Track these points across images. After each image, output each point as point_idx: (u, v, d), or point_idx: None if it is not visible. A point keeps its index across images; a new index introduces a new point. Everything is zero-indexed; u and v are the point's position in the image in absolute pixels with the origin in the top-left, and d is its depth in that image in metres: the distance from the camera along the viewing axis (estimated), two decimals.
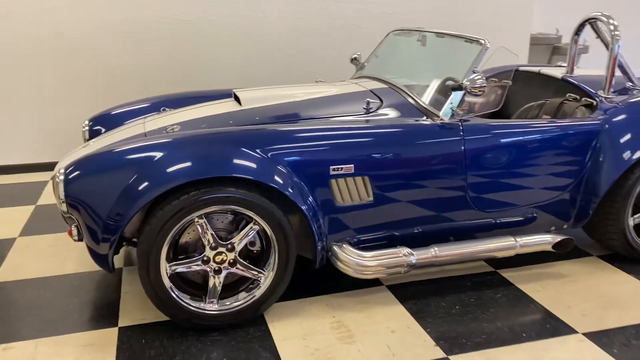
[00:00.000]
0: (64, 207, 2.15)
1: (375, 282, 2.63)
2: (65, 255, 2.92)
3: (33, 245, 3.05)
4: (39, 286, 2.60)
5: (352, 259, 2.33)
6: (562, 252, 2.75)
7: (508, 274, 2.71)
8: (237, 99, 2.86)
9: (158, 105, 3.21)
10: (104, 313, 2.38)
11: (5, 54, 4.16)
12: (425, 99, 2.64)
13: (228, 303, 2.25)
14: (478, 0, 5.04)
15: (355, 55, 3.60)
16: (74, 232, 2.22)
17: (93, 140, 2.78)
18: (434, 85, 2.71)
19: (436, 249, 2.44)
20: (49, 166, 4.40)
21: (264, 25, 4.59)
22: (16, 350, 2.12)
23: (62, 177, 2.15)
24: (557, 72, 3.26)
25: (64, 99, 4.35)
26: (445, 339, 2.18)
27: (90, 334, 2.23)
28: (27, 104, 4.29)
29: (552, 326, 2.28)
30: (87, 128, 3.09)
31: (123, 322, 2.32)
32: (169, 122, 2.66)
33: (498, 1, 5.10)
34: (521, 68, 3.51)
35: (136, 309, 2.41)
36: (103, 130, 3.06)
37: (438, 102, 2.57)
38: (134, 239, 2.44)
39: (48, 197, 3.81)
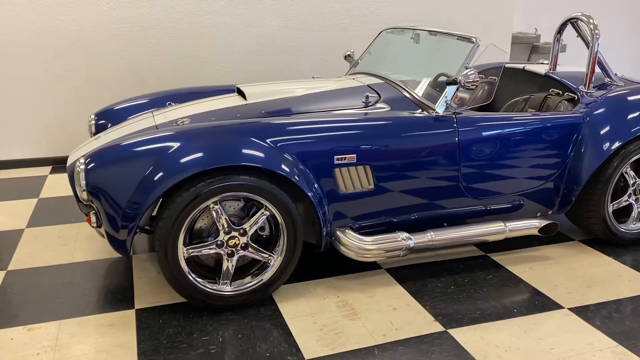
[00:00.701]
0: (84, 195, 2.27)
1: (374, 266, 2.79)
2: (74, 245, 3.03)
3: (42, 235, 3.14)
4: (54, 273, 2.71)
5: (354, 243, 2.49)
6: (547, 236, 2.95)
7: (498, 257, 2.90)
8: (240, 93, 3.00)
9: (159, 100, 3.33)
10: (120, 297, 2.51)
11: (5, 50, 4.23)
12: (421, 93, 2.81)
13: (240, 284, 2.40)
14: (462, 1, 5.24)
15: (349, 52, 3.76)
16: (93, 219, 2.34)
17: (103, 133, 2.90)
18: (428, 80, 2.88)
19: (432, 233, 2.62)
20: (48, 161, 4.48)
21: (257, 23, 4.73)
22: (41, 330, 2.24)
23: (82, 167, 2.27)
24: (541, 68, 3.46)
25: (62, 95, 4.43)
26: (443, 315, 2.36)
27: (109, 315, 2.36)
28: (26, 100, 4.37)
29: (540, 303, 2.47)
30: (93, 122, 3.20)
31: (139, 304, 2.44)
32: (178, 115, 2.79)
33: (481, 1, 5.31)
34: (507, 65, 3.71)
35: (150, 293, 2.54)
36: (109, 124, 3.17)
37: (432, 96, 2.75)
38: (147, 227, 2.57)
39: (50, 190, 3.90)
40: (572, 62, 6.38)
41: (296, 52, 4.90)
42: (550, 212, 2.96)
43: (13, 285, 2.60)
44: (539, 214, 2.94)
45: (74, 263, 2.82)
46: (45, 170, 4.38)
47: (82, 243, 3.05)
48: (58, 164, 4.51)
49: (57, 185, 4.01)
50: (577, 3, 7.35)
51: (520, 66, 3.59)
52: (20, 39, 4.24)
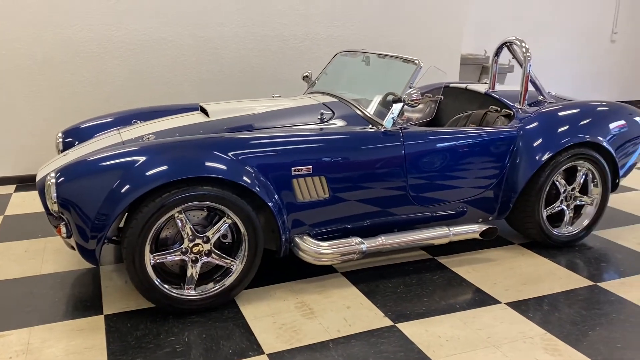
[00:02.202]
0: (55, 207, 2.41)
1: (331, 270, 3.00)
2: (42, 258, 3.13)
3: (8, 250, 3.23)
4: (22, 285, 2.81)
5: (311, 248, 2.69)
6: (488, 239, 3.22)
7: (444, 260, 3.14)
8: (203, 111, 3.19)
9: (125, 118, 3.48)
10: (89, 304, 2.63)
11: None
12: (370, 110, 3.06)
13: (204, 289, 2.56)
14: (414, 24, 5.59)
15: (306, 73, 4.00)
16: (63, 229, 2.47)
17: (71, 149, 3.03)
18: (377, 98, 3.14)
19: (383, 238, 2.85)
20: (12, 180, 4.55)
21: (220, 45, 4.94)
22: (12, 337, 2.35)
23: (53, 180, 2.41)
24: (482, 87, 3.77)
25: (27, 115, 4.52)
26: (392, 312, 2.58)
27: (78, 321, 2.48)
28: None
29: (480, 298, 2.71)
30: (60, 140, 3.33)
31: (107, 310, 2.58)
32: (144, 132, 2.96)
33: (431, 25, 5.66)
34: (451, 84, 4.01)
35: (118, 300, 2.67)
36: (76, 142, 3.30)
37: (381, 113, 3.00)
38: (114, 238, 2.72)
39: (15, 207, 3.97)
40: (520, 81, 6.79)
41: (257, 73, 5.13)
42: (490, 218, 3.24)
43: None
44: (480, 219, 3.21)
45: (42, 275, 2.93)
46: (10, 188, 4.44)
47: (50, 256, 3.16)
48: (22, 183, 4.58)
49: (22, 203, 4.08)
50: (524, 27, 7.85)
51: (463, 85, 3.90)
52: None
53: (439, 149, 2.97)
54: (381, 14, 5.44)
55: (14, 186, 4.51)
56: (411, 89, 2.84)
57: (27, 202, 4.10)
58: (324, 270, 2.98)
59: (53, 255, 3.16)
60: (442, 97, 3.98)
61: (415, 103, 2.82)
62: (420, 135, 2.95)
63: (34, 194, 4.28)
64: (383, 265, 3.08)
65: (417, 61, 2.99)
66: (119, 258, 3.14)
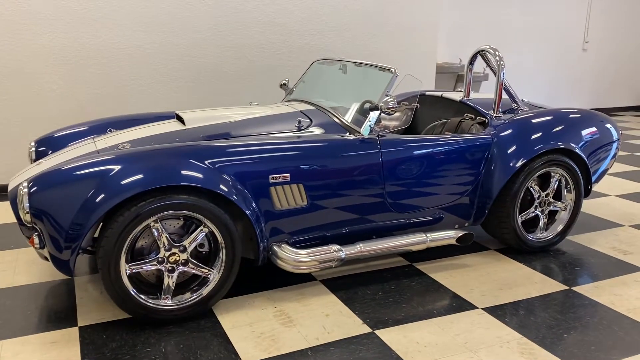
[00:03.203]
0: (27, 218, 2.36)
1: (310, 278, 2.99)
2: (14, 269, 3.06)
3: None
4: None
5: (289, 256, 2.68)
6: (464, 245, 3.25)
7: (422, 266, 3.17)
8: (179, 119, 3.17)
9: (100, 127, 3.44)
10: (63, 316, 2.58)
11: None
12: (348, 118, 3.07)
13: (181, 299, 2.53)
14: (389, 33, 5.64)
15: (284, 81, 4.01)
16: (36, 240, 2.42)
17: (45, 158, 2.98)
18: (354, 106, 3.16)
19: (361, 245, 2.86)
20: None
21: (196, 53, 4.92)
22: None
23: (25, 190, 2.37)
24: (457, 96, 3.82)
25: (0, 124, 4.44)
26: (370, 319, 2.58)
27: (52, 334, 2.43)
28: None
29: (457, 304, 2.74)
30: (33, 149, 3.27)
31: (82, 322, 2.53)
32: (119, 140, 2.93)
33: (407, 35, 5.73)
34: (427, 93, 4.06)
35: (93, 311, 2.63)
36: (49, 151, 3.25)
37: (358, 121, 3.02)
38: (89, 248, 2.67)
39: None
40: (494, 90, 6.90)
41: (233, 81, 5.12)
42: (467, 224, 3.27)
43: None
44: (457, 225, 3.24)
45: (14, 287, 2.87)
46: None
47: (23, 267, 3.09)
48: None
49: None
50: (498, 35, 7.99)
51: (439, 94, 3.95)
52: None
53: (416, 156, 3.00)
54: (358, 23, 5.49)
55: None
56: (388, 97, 2.86)
57: None
58: (302, 279, 2.98)
59: (26, 267, 3.10)
60: (418, 105, 4.02)
61: (392, 111, 2.84)
62: (397, 142, 2.97)
63: (6, 204, 4.19)
64: (362, 272, 3.08)
65: (393, 69, 3.02)
66: (94, 269, 3.09)
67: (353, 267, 3.14)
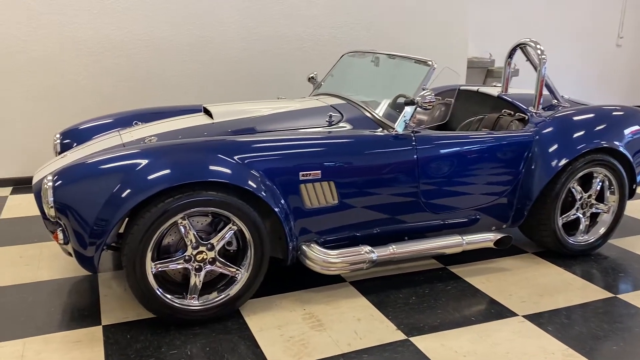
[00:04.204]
0: (52, 212, 2.28)
1: (339, 279, 2.87)
2: (38, 264, 3.00)
3: (3, 256, 3.10)
4: (17, 292, 2.69)
5: (319, 256, 2.57)
6: (502, 248, 3.10)
7: (456, 270, 3.03)
8: (207, 113, 3.07)
9: (125, 120, 3.36)
10: (86, 314, 2.51)
11: None
12: (381, 113, 2.94)
13: (207, 299, 2.44)
14: (419, 27, 5.48)
15: (312, 75, 3.89)
16: (60, 236, 2.35)
17: (69, 151, 2.91)
18: (388, 101, 3.03)
19: (394, 247, 2.73)
20: (8, 182, 4.42)
21: (222, 45, 4.82)
22: (5, 348, 2.22)
23: (50, 184, 2.29)
24: (494, 91, 3.66)
25: (23, 115, 4.40)
26: (405, 324, 2.45)
27: (75, 332, 2.35)
28: None
29: (496, 311, 2.59)
30: (58, 141, 3.20)
31: (106, 321, 2.45)
32: (145, 134, 2.84)
33: (437, 28, 5.56)
34: (462, 87, 3.90)
35: (117, 309, 2.55)
36: (74, 144, 3.18)
37: (392, 116, 2.88)
38: (113, 244, 2.59)
39: (10, 210, 3.85)
40: (526, 85, 6.69)
41: (260, 74, 5.01)
42: (504, 226, 3.12)
43: None
44: (494, 227, 3.09)
45: (37, 282, 2.80)
46: (6, 191, 4.32)
47: (46, 262, 3.03)
48: (18, 185, 4.45)
49: (17, 206, 3.96)
50: (528, 30, 7.75)
51: (475, 88, 3.79)
52: None
53: (453, 154, 2.86)
54: (386, 15, 5.34)
55: (10, 188, 4.38)
56: (424, 91, 2.72)
57: (23, 205, 3.97)
58: (331, 280, 2.86)
59: (49, 261, 3.04)
60: (452, 100, 3.87)
61: (429, 106, 2.71)
62: (433, 139, 2.83)
63: (31, 197, 4.16)
64: (393, 274, 2.95)
65: (430, 62, 2.88)
66: (117, 265, 3.02)
67: (383, 269, 3.01)
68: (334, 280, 2.86)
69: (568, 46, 8.17)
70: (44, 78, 4.38)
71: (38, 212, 3.79)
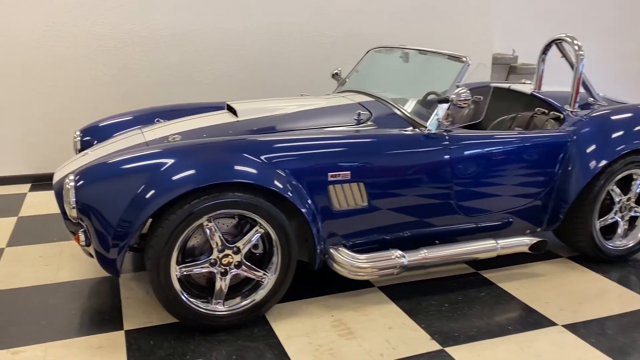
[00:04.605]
0: (73, 213, 2.21)
1: (367, 284, 2.77)
2: (58, 264, 2.94)
3: (23, 255, 3.04)
4: (37, 293, 2.62)
5: (347, 260, 2.47)
6: (537, 253, 2.97)
7: (488, 275, 2.91)
8: (231, 110, 2.98)
9: (146, 117, 3.28)
10: (108, 317, 2.43)
11: None
12: (411, 110, 2.82)
13: (234, 304, 2.35)
14: (443, 22, 5.33)
15: (336, 71, 3.78)
16: (82, 237, 2.27)
17: (90, 149, 2.84)
18: (417, 98, 2.91)
19: (425, 251, 2.61)
20: (27, 178, 4.37)
21: (242, 42, 4.73)
22: (27, 353, 2.15)
23: (72, 184, 2.21)
24: (527, 88, 3.52)
25: (42, 111, 4.34)
26: (439, 333, 2.34)
27: (98, 337, 2.28)
28: (4, 115, 4.26)
29: (534, 320, 2.47)
30: (78, 139, 3.13)
31: (129, 325, 2.37)
32: (168, 132, 2.75)
33: (461, 23, 5.41)
34: (492, 84, 3.76)
35: (139, 313, 2.47)
36: (95, 141, 3.11)
37: (422, 114, 2.77)
38: (135, 245, 2.51)
39: (30, 208, 3.80)
40: (550, 82, 6.51)
41: (281, 70, 4.91)
42: (538, 230, 2.99)
43: None
44: (528, 231, 2.96)
45: (58, 283, 2.74)
46: (24, 187, 4.27)
47: (66, 262, 2.97)
48: (37, 182, 4.40)
49: (37, 203, 3.90)
50: (551, 25, 7.55)
51: (506, 85, 3.65)
52: (0, 52, 4.15)
53: (488, 154, 2.73)
54: (409, 11, 5.20)
55: (28, 185, 4.33)
56: (459, 89, 2.60)
57: (42, 203, 3.92)
58: (358, 285, 2.75)
59: (69, 261, 2.97)
60: (481, 97, 3.73)
61: (465, 104, 2.59)
62: (467, 138, 2.71)
63: (50, 194, 4.10)
64: (423, 279, 2.84)
65: (465, 58, 2.75)
66: (138, 266, 2.94)
67: (412, 274, 2.90)
68: (361, 285, 2.75)
69: (593, 42, 7.95)
70: (62, 74, 4.32)
71: (57, 210, 3.72)
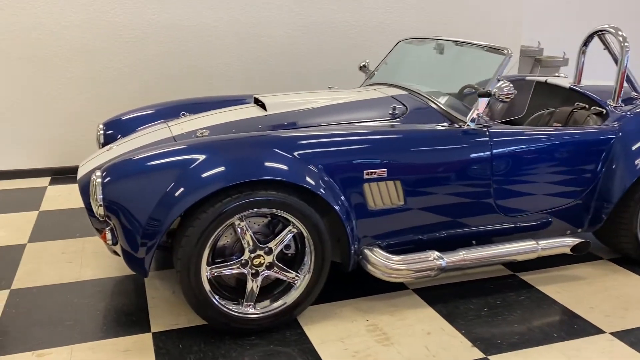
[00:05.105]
0: (100, 211, 2.12)
1: (401, 286, 2.66)
2: (81, 261, 2.86)
3: (45, 251, 2.97)
4: (60, 292, 2.54)
5: (382, 262, 2.35)
6: (579, 255, 2.84)
7: (527, 277, 2.78)
8: (259, 104, 2.87)
9: (169, 110, 3.18)
10: (134, 319, 2.34)
11: (4, 55, 4.07)
12: (448, 104, 2.70)
13: (265, 306, 2.25)
14: (470, 13, 5.17)
15: (364, 63, 3.66)
16: (108, 236, 2.18)
17: (115, 143, 2.75)
18: (453, 92, 2.78)
19: (464, 252, 2.49)
20: (47, 172, 4.31)
21: (265, 32, 4.61)
22: (52, 356, 2.07)
23: (99, 180, 2.12)
24: (564, 82, 3.37)
25: (63, 103, 4.27)
26: (480, 340, 2.23)
27: (124, 340, 2.19)
28: (24, 107, 4.19)
29: (579, 327, 2.35)
30: (101, 132, 3.05)
31: (156, 327, 2.28)
32: (195, 126, 2.65)
33: (489, 15, 5.24)
34: (527, 77, 3.62)
35: (166, 314, 2.38)
36: (119, 135, 3.02)
37: (460, 108, 2.64)
38: (161, 243, 2.41)
39: (50, 202, 3.73)
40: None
41: (304, 62, 4.79)
42: (579, 231, 2.85)
43: (18, 305, 2.43)
44: (568, 232, 2.83)
45: (81, 281, 2.66)
46: (44, 181, 4.20)
47: (89, 259, 2.89)
48: (57, 175, 4.33)
49: (57, 197, 3.83)
50: (576, 16, 7.34)
51: (542, 79, 3.50)
52: (20, 44, 4.08)
53: (529, 151, 2.60)
54: (436, 1, 5.04)
55: (48, 178, 4.27)
56: (501, 82, 2.47)
57: (63, 197, 3.85)
58: (391, 287, 2.64)
59: (92, 259, 2.89)
60: (516, 91, 3.58)
61: (507, 98, 2.45)
62: (508, 134, 2.58)
63: (71, 187, 4.03)
64: (458, 281, 2.72)
65: (506, 50, 2.62)
66: (163, 264, 2.85)
67: (448, 275, 2.78)
68: (394, 287, 2.64)
69: (629, 34, 7.71)
70: (83, 65, 4.24)
71: (79, 205, 3.66)
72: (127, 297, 2.52)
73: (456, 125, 2.57)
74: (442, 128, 2.54)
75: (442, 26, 5.10)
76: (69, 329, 2.25)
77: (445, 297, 2.57)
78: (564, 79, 3.50)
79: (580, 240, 2.69)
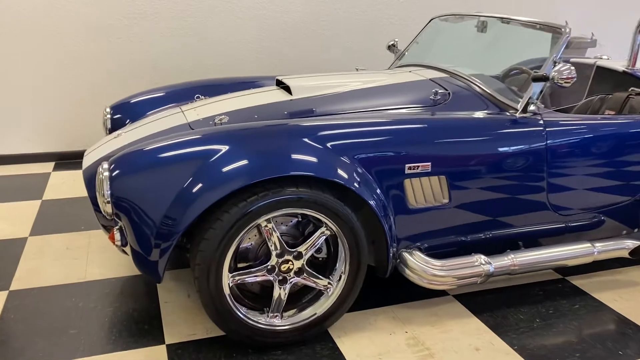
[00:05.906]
0: (108, 209, 1.86)
1: (439, 292, 2.40)
2: (86, 258, 2.61)
3: (48, 246, 2.73)
4: (64, 294, 2.30)
5: (423, 266, 2.09)
6: (637, 259, 2.57)
7: (578, 282, 2.51)
8: (281, 85, 2.59)
9: (179, 93, 2.91)
10: (146, 327, 2.10)
11: (6, 32, 3.78)
12: (496, 89, 2.41)
13: (293, 316, 2.00)
14: None
15: (392, 42, 3.37)
16: (117, 236, 1.92)
17: (123, 130, 2.48)
18: (500, 75, 2.49)
19: (512, 256, 2.23)
20: (51, 156, 4.06)
21: (282, 9, 4.30)
22: None
23: (106, 174, 1.86)
24: (617, 65, 3.07)
25: (67, 83, 3.99)
26: (536, 357, 1.97)
27: (136, 353, 1.95)
28: (27, 88, 3.92)
29: None
30: (108, 116, 2.78)
31: (170, 338, 2.04)
32: (213, 111, 2.38)
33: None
34: (572, 60, 3.31)
35: (181, 322, 2.13)
36: (127, 120, 2.75)
37: (509, 94, 2.35)
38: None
39: (54, 190, 3.48)
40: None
41: (323, 41, 4.48)
42: (635, 231, 2.58)
43: (17, 309, 2.19)
44: (624, 232, 2.55)
45: (87, 281, 2.41)
46: (48, 166, 3.95)
47: (95, 256, 2.64)
48: (62, 160, 4.08)
49: (62, 185, 3.58)
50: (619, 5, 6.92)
51: (591, 61, 3.20)
52: (22, 20, 3.79)
53: (587, 142, 2.31)
54: None
55: (52, 164, 4.02)
56: (559, 64, 2.17)
57: (67, 184, 3.59)
58: (430, 293, 2.38)
59: (99, 255, 2.65)
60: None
61: (566, 82, 2.16)
62: (565, 123, 2.30)
63: (76, 174, 3.78)
64: (503, 287, 2.46)
65: (563, 28, 2.31)
66: (175, 262, 2.60)
67: (491, 280, 2.51)
68: (433, 293, 2.38)
69: None
70: (88, 44, 3.95)
71: (84, 193, 3.41)
72: (137, 301, 2.27)
73: (507, 113, 2.28)
74: (493, 116, 2.25)
75: (473, 3, 4.76)
76: (74, 340, 2.01)
77: (491, 304, 2.31)
78: (614, 62, 3.18)
79: (639, 242, 2.42)
